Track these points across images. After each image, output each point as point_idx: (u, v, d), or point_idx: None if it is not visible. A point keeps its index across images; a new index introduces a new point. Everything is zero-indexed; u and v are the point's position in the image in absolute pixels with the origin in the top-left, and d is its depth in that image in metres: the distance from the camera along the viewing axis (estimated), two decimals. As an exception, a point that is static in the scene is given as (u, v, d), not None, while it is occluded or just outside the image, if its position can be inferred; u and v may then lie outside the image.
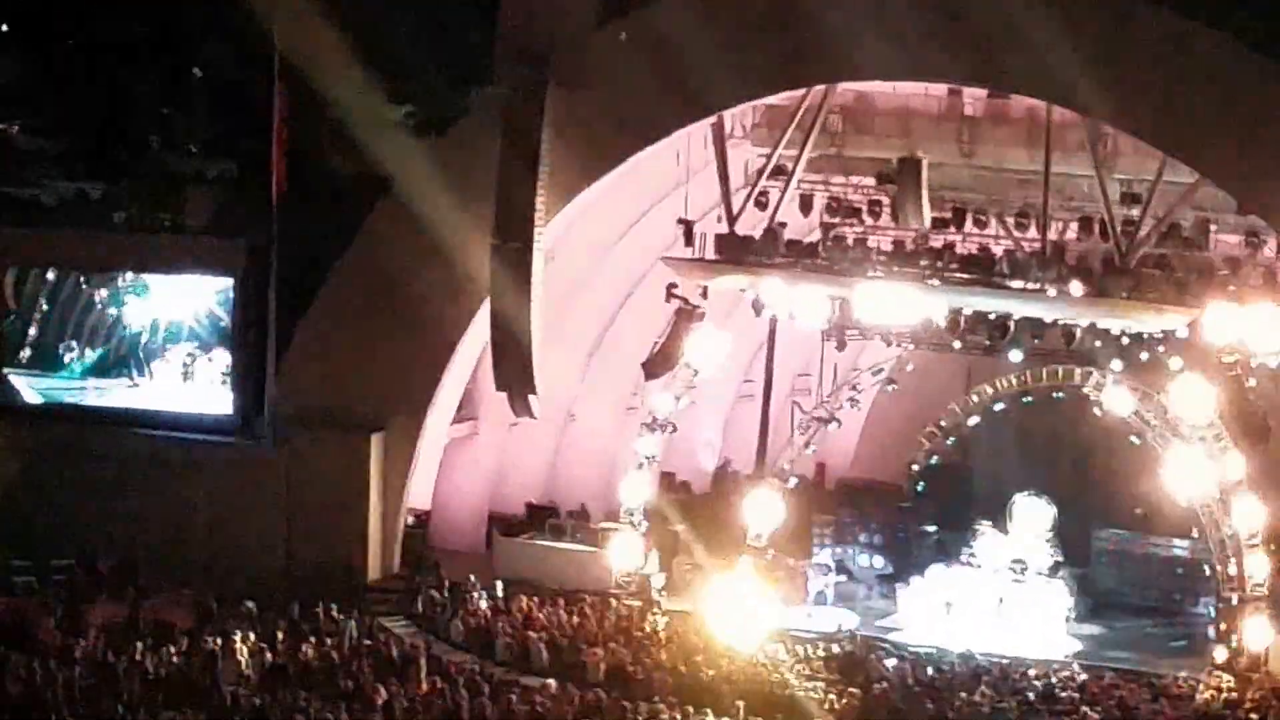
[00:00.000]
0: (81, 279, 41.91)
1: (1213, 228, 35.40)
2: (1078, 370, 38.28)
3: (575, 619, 35.89)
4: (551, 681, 31.56)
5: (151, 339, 41.71)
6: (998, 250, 35.94)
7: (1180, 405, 35.50)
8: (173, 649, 32.12)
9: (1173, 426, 36.34)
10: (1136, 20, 33.70)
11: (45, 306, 42.10)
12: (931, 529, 41.97)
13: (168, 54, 44.14)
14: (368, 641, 33.71)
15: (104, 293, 41.80)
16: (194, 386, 41.45)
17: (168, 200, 42.56)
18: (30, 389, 42.19)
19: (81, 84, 44.73)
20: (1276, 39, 32.90)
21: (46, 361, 42.15)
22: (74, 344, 42.11)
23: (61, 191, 43.60)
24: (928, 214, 34.85)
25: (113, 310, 41.71)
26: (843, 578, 40.75)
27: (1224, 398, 34.22)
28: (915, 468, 43.32)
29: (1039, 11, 33.19)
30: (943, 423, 42.71)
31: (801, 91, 36.07)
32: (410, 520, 40.29)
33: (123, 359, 41.78)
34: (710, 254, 36.42)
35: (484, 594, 37.03)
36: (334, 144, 39.41)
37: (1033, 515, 39.62)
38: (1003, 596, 38.30)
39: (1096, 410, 38.28)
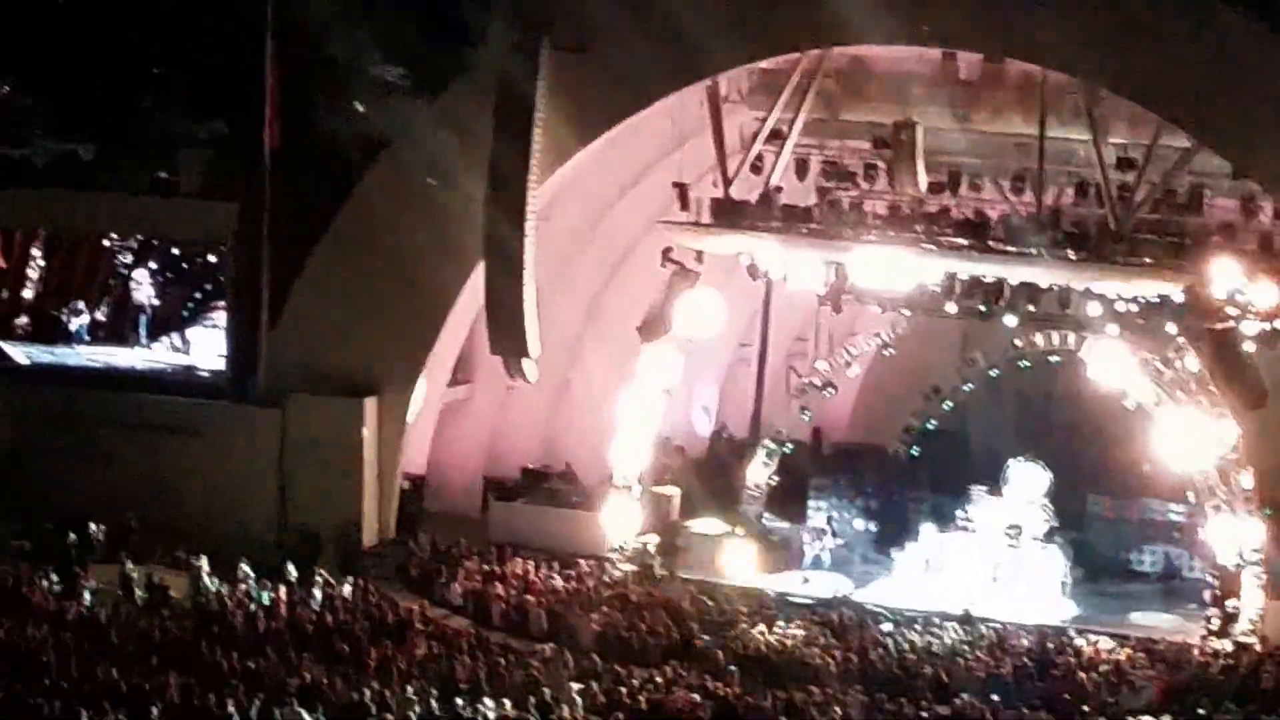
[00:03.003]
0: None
1: (1208, 193, 35.27)
2: (1073, 335, 38.28)
3: (571, 584, 35.91)
4: (547, 646, 31.56)
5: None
6: (993, 215, 35.89)
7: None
8: (166, 612, 32.12)
9: (1168, 391, 36.31)
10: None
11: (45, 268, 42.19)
12: (926, 494, 41.95)
13: (160, 13, 43.78)
14: (363, 605, 33.66)
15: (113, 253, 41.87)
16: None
17: (159, 162, 42.35)
18: (25, 355, 42.17)
19: (73, 43, 44.41)
20: (1272, 5, 32.76)
21: (49, 327, 42.10)
22: (80, 306, 42.13)
23: (53, 152, 43.37)
24: (923, 178, 34.69)
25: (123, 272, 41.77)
26: (838, 542, 40.71)
27: (1219, 360, 34.05)
28: (910, 432, 43.36)
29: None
30: (938, 387, 42.76)
31: (796, 56, 35.91)
32: (405, 484, 40.25)
33: (134, 324, 41.76)
34: (706, 218, 36.31)
35: (479, 558, 37.08)
36: (328, 104, 39.22)
37: (1028, 480, 39.55)
38: (998, 561, 38.32)
39: (1091, 375, 38.24)
